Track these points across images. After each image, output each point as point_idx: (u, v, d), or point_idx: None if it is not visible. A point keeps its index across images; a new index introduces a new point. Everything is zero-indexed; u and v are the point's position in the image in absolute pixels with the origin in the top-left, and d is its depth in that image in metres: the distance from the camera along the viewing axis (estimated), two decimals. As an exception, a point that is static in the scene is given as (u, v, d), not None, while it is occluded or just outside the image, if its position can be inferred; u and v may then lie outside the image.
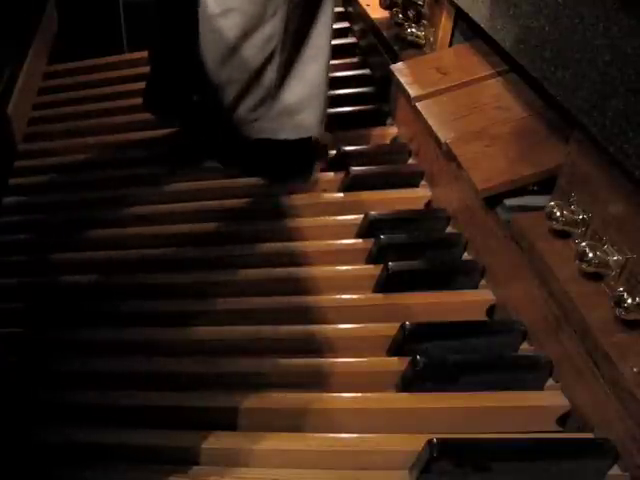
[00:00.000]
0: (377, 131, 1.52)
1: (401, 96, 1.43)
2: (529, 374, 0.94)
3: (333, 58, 1.34)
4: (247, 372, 1.00)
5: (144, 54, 1.84)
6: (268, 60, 1.23)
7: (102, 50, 1.98)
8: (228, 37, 1.20)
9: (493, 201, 1.08)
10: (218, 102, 1.28)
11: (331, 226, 1.28)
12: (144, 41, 1.87)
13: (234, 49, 1.21)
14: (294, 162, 1.38)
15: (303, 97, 1.29)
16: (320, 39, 1.27)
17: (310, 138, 1.36)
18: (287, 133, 1.31)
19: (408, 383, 0.95)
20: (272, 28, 1.20)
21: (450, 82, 1.28)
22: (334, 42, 1.34)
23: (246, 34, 1.19)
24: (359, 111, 1.58)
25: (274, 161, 1.38)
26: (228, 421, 0.92)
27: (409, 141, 1.43)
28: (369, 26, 1.69)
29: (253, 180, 1.40)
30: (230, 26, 1.19)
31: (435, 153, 1.28)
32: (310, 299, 1.12)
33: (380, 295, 1.12)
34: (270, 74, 1.24)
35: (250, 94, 1.26)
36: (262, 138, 1.32)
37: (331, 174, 1.40)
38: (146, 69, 1.83)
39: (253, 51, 1.21)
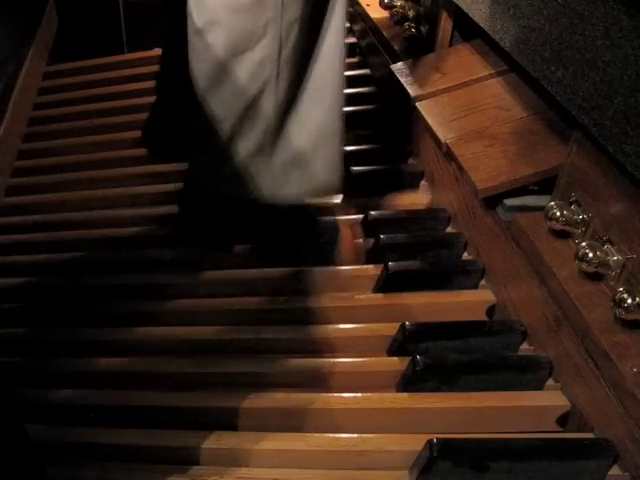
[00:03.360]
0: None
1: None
2: (529, 374, 0.94)
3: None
4: (247, 372, 1.00)
5: (144, 54, 1.84)
6: (261, 93, 0.98)
7: (102, 50, 1.98)
8: (212, 58, 0.96)
9: (493, 201, 1.08)
10: (211, 143, 1.03)
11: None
12: (144, 41, 1.88)
13: (220, 74, 0.97)
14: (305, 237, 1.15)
15: (309, 146, 1.03)
16: (328, 70, 1.01)
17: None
18: (290, 188, 1.04)
19: (408, 383, 0.95)
20: (263, 51, 0.95)
21: (450, 82, 1.28)
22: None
23: (232, 55, 0.96)
24: (359, 111, 1.58)
25: (282, 236, 1.15)
26: (228, 421, 0.92)
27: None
28: (369, 26, 1.69)
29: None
30: (212, 44, 0.95)
31: (435, 153, 1.28)
32: (310, 299, 1.12)
33: (380, 295, 1.12)
34: (266, 112, 0.98)
35: (244, 138, 1.00)
36: (261, 204, 1.06)
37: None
38: (146, 69, 1.84)
39: (242, 79, 0.97)
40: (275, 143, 1.01)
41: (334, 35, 1.00)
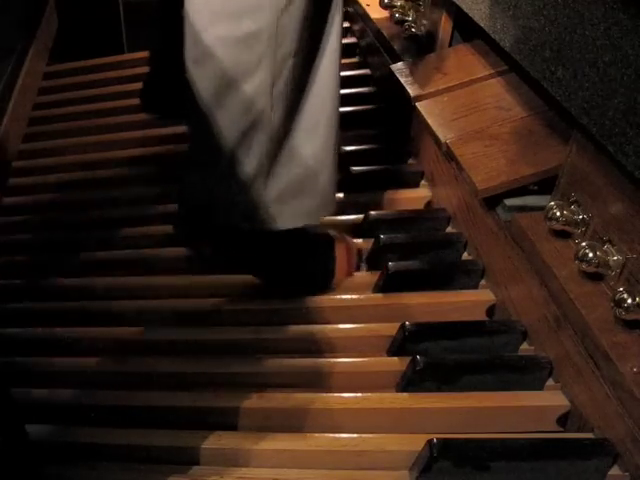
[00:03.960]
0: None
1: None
2: (529, 374, 0.94)
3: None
4: (247, 372, 1.00)
5: (144, 54, 1.84)
6: (256, 123, 0.96)
7: (102, 50, 1.98)
8: (209, 86, 0.95)
9: (493, 201, 1.08)
10: (207, 170, 1.02)
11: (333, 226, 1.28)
12: (144, 41, 1.88)
13: (217, 103, 0.96)
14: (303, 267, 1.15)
15: (302, 176, 1.03)
16: (322, 104, 1.01)
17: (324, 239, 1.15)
18: (285, 219, 1.04)
19: (408, 383, 0.95)
20: (257, 83, 0.94)
21: (450, 82, 1.28)
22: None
23: (227, 85, 0.95)
24: (359, 111, 1.58)
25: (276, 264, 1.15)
26: (228, 421, 0.92)
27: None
28: (369, 26, 1.69)
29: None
30: (209, 74, 0.95)
31: (435, 153, 1.28)
32: (310, 299, 1.12)
33: (380, 295, 1.12)
34: (261, 140, 0.97)
35: (240, 164, 0.99)
36: (255, 233, 1.05)
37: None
38: (146, 69, 1.84)
39: (238, 109, 0.96)
40: (269, 175, 1.01)
41: (329, 68, 1.00)
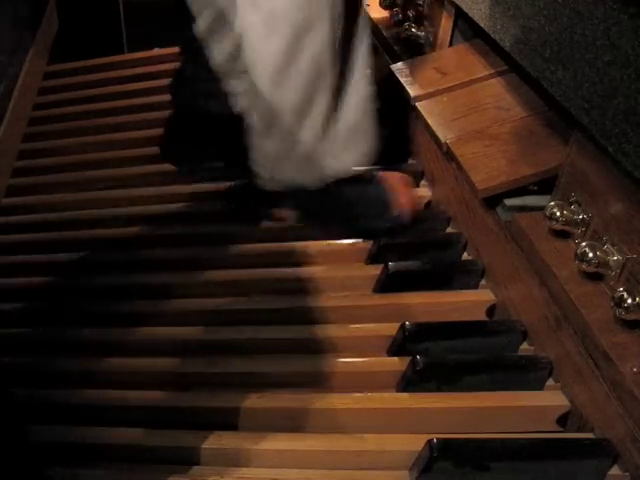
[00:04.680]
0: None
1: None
2: (529, 374, 0.94)
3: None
4: (247, 372, 1.00)
5: (144, 54, 1.84)
6: (320, 80, 1.07)
7: (102, 50, 1.98)
8: (276, 51, 1.03)
9: (493, 201, 1.08)
10: (273, 135, 1.11)
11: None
12: (144, 41, 1.88)
13: (286, 64, 1.04)
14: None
15: (354, 121, 1.15)
16: (362, 56, 1.17)
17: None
18: (350, 163, 1.16)
19: (408, 383, 0.95)
20: (323, 37, 1.04)
21: (450, 82, 1.28)
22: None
23: (299, 39, 1.03)
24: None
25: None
26: (228, 421, 0.92)
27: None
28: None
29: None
30: (275, 39, 1.02)
31: (435, 153, 1.28)
32: (310, 299, 1.12)
33: (380, 295, 1.12)
34: (319, 107, 1.08)
35: (307, 122, 1.09)
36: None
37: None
38: (146, 69, 1.85)
39: (306, 66, 1.05)
40: (329, 129, 1.12)
41: (363, 34, 1.17)
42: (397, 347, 1.01)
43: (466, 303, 1.08)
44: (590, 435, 0.85)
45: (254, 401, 0.93)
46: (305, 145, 1.11)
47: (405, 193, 1.22)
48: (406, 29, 1.47)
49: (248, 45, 1.04)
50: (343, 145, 1.15)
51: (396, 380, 0.96)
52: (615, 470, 0.81)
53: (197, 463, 0.87)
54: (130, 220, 1.37)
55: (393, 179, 1.23)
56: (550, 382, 0.94)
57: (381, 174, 1.23)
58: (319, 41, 1.04)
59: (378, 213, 1.21)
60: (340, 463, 0.85)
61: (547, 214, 0.94)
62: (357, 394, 0.93)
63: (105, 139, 1.63)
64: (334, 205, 1.21)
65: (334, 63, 1.09)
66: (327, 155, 1.14)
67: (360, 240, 1.22)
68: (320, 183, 1.16)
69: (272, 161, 1.15)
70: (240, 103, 1.12)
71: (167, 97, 1.70)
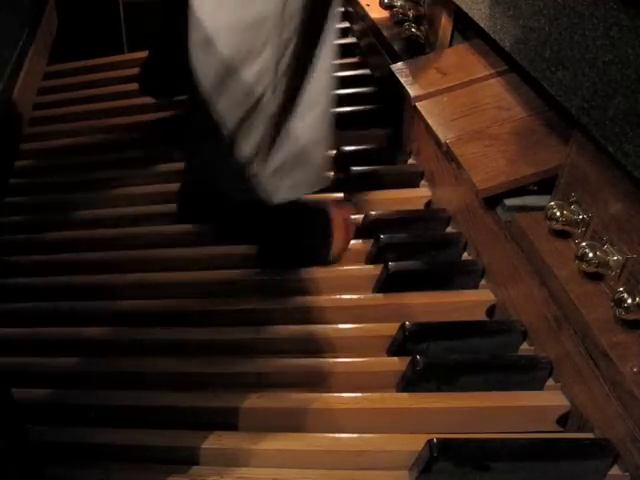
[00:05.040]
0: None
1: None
2: (529, 374, 0.94)
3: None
4: (247, 372, 1.00)
5: (144, 54, 1.84)
6: (259, 101, 1.02)
7: (102, 50, 1.98)
8: (214, 69, 1.00)
9: (493, 201, 1.08)
10: (211, 148, 1.09)
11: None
12: (144, 41, 1.88)
13: (222, 83, 1.01)
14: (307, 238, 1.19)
15: (300, 150, 1.09)
16: (320, 83, 1.06)
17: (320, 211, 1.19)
18: (285, 190, 1.11)
19: (408, 383, 0.95)
20: (262, 64, 0.99)
21: (450, 82, 1.28)
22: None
23: (232, 67, 1.00)
24: (359, 111, 1.58)
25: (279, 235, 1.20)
26: (228, 421, 0.92)
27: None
28: (369, 26, 1.69)
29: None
30: (214, 57, 0.99)
31: (435, 153, 1.28)
32: (310, 299, 1.12)
33: (380, 295, 1.12)
34: (264, 117, 1.03)
35: (243, 139, 1.05)
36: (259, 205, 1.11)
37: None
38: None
39: (243, 88, 1.01)
40: (268, 153, 1.07)
41: (328, 50, 1.05)
42: (397, 347, 1.01)
43: (466, 303, 1.08)
44: (590, 435, 0.85)
45: (254, 401, 0.93)
46: (240, 160, 1.07)
47: (341, 226, 1.19)
48: (406, 29, 1.47)
49: (192, 54, 1.02)
50: (283, 170, 1.09)
51: (396, 380, 0.97)
52: (615, 470, 0.81)
53: (197, 463, 0.87)
54: (131, 220, 1.37)
55: (333, 209, 1.20)
56: (550, 382, 0.94)
57: (321, 202, 1.21)
58: (257, 69, 0.99)
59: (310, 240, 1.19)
60: (340, 463, 0.85)
61: (547, 214, 0.94)
62: (357, 394, 0.93)
63: (105, 139, 1.63)
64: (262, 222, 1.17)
65: (276, 88, 1.02)
66: (267, 177, 1.09)
67: (360, 240, 1.22)
68: (252, 201, 1.11)
69: (207, 168, 1.12)
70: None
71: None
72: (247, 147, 1.05)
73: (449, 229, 1.24)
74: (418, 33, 1.45)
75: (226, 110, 1.02)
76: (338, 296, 1.13)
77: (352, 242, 1.22)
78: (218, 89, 1.01)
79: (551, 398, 0.91)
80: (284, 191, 1.11)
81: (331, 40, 1.05)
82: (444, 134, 1.18)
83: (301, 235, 1.19)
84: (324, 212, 1.20)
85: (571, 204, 0.94)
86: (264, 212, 1.13)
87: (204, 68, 1.00)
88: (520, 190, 1.06)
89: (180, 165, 1.45)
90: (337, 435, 0.88)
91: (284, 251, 1.19)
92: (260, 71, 0.99)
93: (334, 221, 1.19)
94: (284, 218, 1.16)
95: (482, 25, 1.16)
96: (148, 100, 1.72)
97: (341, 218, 1.20)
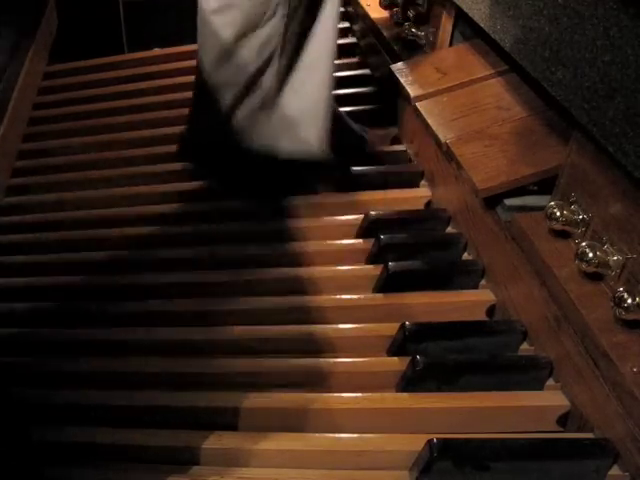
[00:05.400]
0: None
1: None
2: (529, 374, 0.94)
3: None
4: (247, 372, 1.00)
5: (144, 54, 1.85)
6: (266, 64, 1.15)
7: (102, 50, 1.98)
8: (224, 36, 1.13)
9: (493, 201, 1.08)
10: (215, 107, 1.20)
11: (333, 226, 1.28)
12: (144, 41, 1.88)
13: (230, 49, 1.14)
14: (296, 179, 1.29)
15: (302, 110, 1.19)
16: (322, 47, 1.17)
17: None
18: (286, 143, 1.21)
19: (408, 383, 0.95)
20: (271, 29, 1.12)
21: (450, 82, 1.28)
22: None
23: (244, 34, 1.13)
24: (359, 111, 1.58)
25: (275, 176, 1.29)
26: (228, 421, 0.92)
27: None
28: (369, 26, 1.69)
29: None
30: (227, 24, 1.12)
31: (435, 153, 1.28)
32: (310, 299, 1.12)
33: (380, 295, 1.12)
34: (268, 79, 1.16)
35: (247, 99, 1.17)
36: (262, 153, 1.22)
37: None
38: (146, 69, 1.84)
39: (250, 53, 1.14)
40: (273, 105, 1.18)
41: (330, 13, 1.16)
42: (397, 347, 1.01)
43: (466, 303, 1.08)
44: (590, 435, 0.85)
45: (254, 401, 0.93)
46: (249, 111, 1.18)
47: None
48: (406, 29, 1.47)
49: (201, 20, 1.14)
50: (284, 126, 1.19)
51: (396, 380, 0.96)
52: (615, 470, 0.81)
53: (197, 463, 0.87)
54: (131, 220, 1.37)
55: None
56: (550, 382, 0.94)
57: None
58: (270, 29, 1.12)
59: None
60: (340, 463, 0.86)
61: (547, 214, 0.94)
62: (357, 394, 0.93)
63: (105, 139, 1.63)
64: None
65: (283, 52, 1.14)
66: (265, 130, 1.19)
67: (360, 240, 1.22)
68: (266, 157, 1.21)
69: (213, 120, 1.21)
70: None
71: (167, 97, 1.71)
72: (255, 101, 1.16)
73: (449, 229, 1.24)
74: (418, 33, 1.45)
75: (240, 66, 1.14)
76: (338, 296, 1.13)
77: (352, 242, 1.22)
78: (234, 47, 1.12)
79: (551, 398, 0.91)
80: (284, 146, 1.20)
81: (332, 7, 1.15)
82: (444, 134, 1.18)
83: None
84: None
85: (571, 204, 0.94)
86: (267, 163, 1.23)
87: (221, 29, 1.12)
88: (520, 190, 1.06)
89: (180, 165, 1.47)
90: (337, 435, 0.88)
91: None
92: (270, 35, 1.11)
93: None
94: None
95: (482, 25, 1.16)
96: (148, 100, 1.72)
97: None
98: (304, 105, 1.19)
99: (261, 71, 1.15)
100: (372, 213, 1.25)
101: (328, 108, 1.21)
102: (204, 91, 1.21)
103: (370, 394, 0.94)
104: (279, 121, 1.19)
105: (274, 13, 1.11)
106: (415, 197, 1.32)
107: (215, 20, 1.12)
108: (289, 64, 1.16)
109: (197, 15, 1.15)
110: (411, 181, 1.37)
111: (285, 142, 1.20)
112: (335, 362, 1.00)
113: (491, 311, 1.08)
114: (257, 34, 1.12)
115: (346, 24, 1.91)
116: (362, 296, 1.12)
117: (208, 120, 1.24)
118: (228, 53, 1.14)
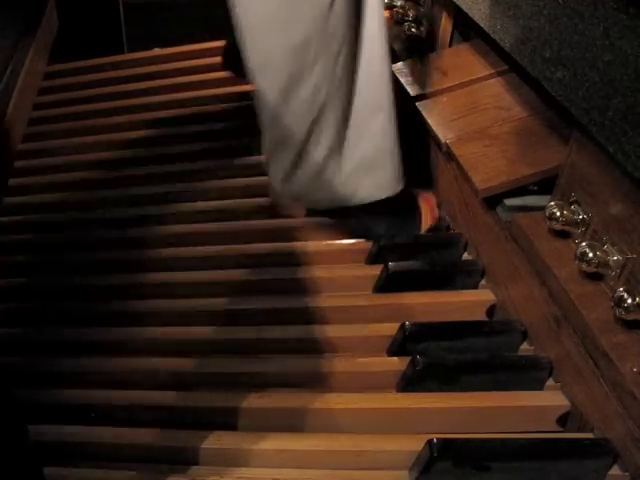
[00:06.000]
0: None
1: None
2: (529, 374, 0.94)
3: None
4: (247, 372, 1.00)
5: (144, 54, 1.84)
6: (322, 109, 1.07)
7: (102, 50, 1.98)
8: (270, 97, 1.07)
9: (493, 201, 1.08)
10: (283, 156, 1.15)
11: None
12: (144, 41, 1.88)
13: (284, 102, 1.07)
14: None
15: (372, 153, 1.14)
16: (380, 84, 1.11)
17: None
18: (364, 193, 1.16)
19: (408, 383, 0.95)
20: (317, 78, 1.05)
21: (450, 82, 1.28)
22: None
23: (288, 89, 1.06)
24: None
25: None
26: (228, 421, 0.92)
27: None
28: (369, 26, 1.68)
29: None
30: (268, 85, 1.07)
31: (435, 153, 1.28)
32: (310, 299, 1.12)
33: (380, 295, 1.12)
34: (329, 123, 1.09)
35: (313, 147, 1.11)
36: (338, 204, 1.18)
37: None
38: (146, 69, 1.84)
39: (302, 105, 1.07)
40: (341, 152, 1.13)
41: (378, 48, 1.09)
42: (397, 347, 1.01)
43: (466, 303, 1.08)
44: (590, 435, 0.85)
45: (254, 401, 0.93)
46: (315, 164, 1.13)
47: (429, 214, 1.24)
48: (406, 29, 1.47)
49: (252, 80, 1.07)
50: (358, 173, 1.15)
51: (396, 380, 0.96)
52: (615, 470, 0.81)
53: (197, 463, 0.87)
54: (131, 220, 1.37)
55: (422, 199, 1.25)
56: (550, 382, 0.94)
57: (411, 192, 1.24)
58: (315, 80, 1.05)
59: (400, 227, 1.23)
60: (340, 463, 0.85)
61: (547, 214, 0.94)
62: (357, 394, 0.93)
63: (105, 139, 1.63)
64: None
65: (336, 96, 1.08)
66: (340, 180, 1.15)
67: (361, 240, 1.22)
68: (334, 205, 1.19)
69: (283, 176, 1.17)
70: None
71: (167, 97, 1.70)
72: (320, 154, 1.11)
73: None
74: (418, 33, 1.45)
75: (293, 122, 1.09)
76: (338, 296, 1.12)
77: (352, 242, 1.22)
78: (282, 102, 1.07)
79: (551, 398, 0.91)
80: (363, 192, 1.16)
81: (380, 45, 1.09)
82: (444, 134, 1.18)
83: (390, 221, 1.23)
84: (410, 198, 1.24)
85: (571, 204, 0.94)
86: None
87: (266, 85, 1.07)
88: (520, 190, 1.06)
89: (181, 166, 1.47)
90: (337, 435, 0.88)
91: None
92: (317, 84, 1.06)
93: (420, 200, 1.24)
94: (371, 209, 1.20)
95: (482, 25, 1.15)
96: (148, 100, 1.72)
97: (424, 198, 1.25)
98: (372, 146, 1.14)
99: (319, 118, 1.09)
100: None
101: (398, 145, 1.16)
102: (271, 134, 1.15)
103: (370, 394, 0.94)
104: (350, 170, 1.14)
105: (315, 61, 1.04)
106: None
107: (259, 76, 1.07)
108: (347, 108, 1.10)
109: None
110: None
111: (360, 192, 1.17)
112: (335, 362, 1.00)
113: (491, 311, 1.08)
114: (303, 87, 1.06)
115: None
116: (362, 296, 1.12)
117: (281, 170, 1.18)
118: (280, 105, 1.08)
